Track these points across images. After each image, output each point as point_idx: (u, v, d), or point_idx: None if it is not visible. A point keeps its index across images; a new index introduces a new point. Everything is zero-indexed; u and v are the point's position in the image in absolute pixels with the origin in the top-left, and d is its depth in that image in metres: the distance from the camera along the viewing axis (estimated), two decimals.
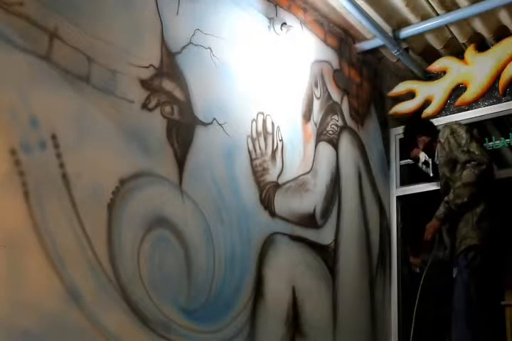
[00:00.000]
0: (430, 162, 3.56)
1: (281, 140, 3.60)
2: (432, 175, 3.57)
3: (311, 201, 3.74)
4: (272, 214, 3.40)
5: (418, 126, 3.98)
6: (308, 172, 3.77)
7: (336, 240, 3.87)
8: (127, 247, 2.55)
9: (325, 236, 3.79)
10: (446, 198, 3.42)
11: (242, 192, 3.22)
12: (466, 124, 3.64)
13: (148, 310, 2.58)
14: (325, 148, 3.98)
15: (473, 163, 3.25)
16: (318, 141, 3.92)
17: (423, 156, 3.61)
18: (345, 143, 4.19)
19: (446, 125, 3.60)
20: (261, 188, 3.36)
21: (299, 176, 3.69)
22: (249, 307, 3.11)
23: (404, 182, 4.65)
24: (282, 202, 3.50)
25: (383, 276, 4.29)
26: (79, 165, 2.42)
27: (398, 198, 4.60)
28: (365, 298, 4.06)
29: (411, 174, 4.64)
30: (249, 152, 3.34)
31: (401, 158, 4.68)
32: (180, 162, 2.89)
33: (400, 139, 4.73)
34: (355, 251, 4.04)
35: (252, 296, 3.14)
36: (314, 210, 3.75)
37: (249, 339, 3.07)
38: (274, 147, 3.54)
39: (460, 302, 3.18)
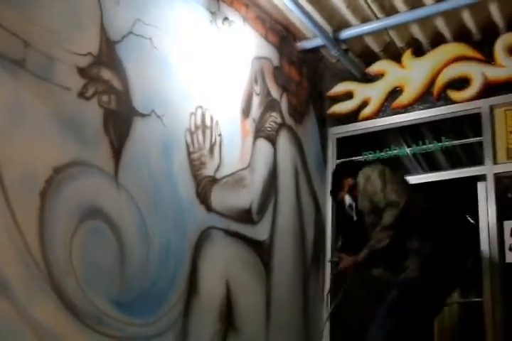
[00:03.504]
0: (354, 206, 3.60)
1: (219, 135, 3.64)
2: (355, 218, 3.61)
3: (248, 197, 3.80)
4: (208, 208, 3.44)
5: (345, 167, 3.93)
6: (246, 168, 3.83)
7: (272, 236, 3.94)
8: (60, 237, 2.54)
9: (261, 232, 3.86)
10: (368, 243, 3.43)
11: (178, 186, 3.25)
12: (378, 165, 3.60)
13: (79, 302, 2.57)
14: (263, 145, 4.04)
15: (390, 207, 3.28)
16: (256, 137, 3.99)
17: (348, 199, 3.63)
18: (283, 140, 4.26)
19: (361, 171, 3.58)
20: (198, 182, 3.40)
21: (237, 171, 3.74)
22: (183, 301, 3.15)
23: None
24: (219, 197, 3.54)
25: (316, 273, 4.39)
26: (10, 152, 2.40)
27: None
28: (299, 294, 4.14)
29: None
30: (187, 145, 3.37)
31: (338, 157, 4.80)
32: (117, 153, 2.90)
33: (338, 139, 4.84)
34: (290, 248, 4.13)
35: (186, 290, 3.18)
36: (251, 206, 3.81)
37: (182, 333, 3.11)
38: (213, 141, 3.58)
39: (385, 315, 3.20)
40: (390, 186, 3.28)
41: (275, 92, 4.28)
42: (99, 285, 2.69)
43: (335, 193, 3.76)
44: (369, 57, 4.87)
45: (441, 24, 4.44)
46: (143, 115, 3.09)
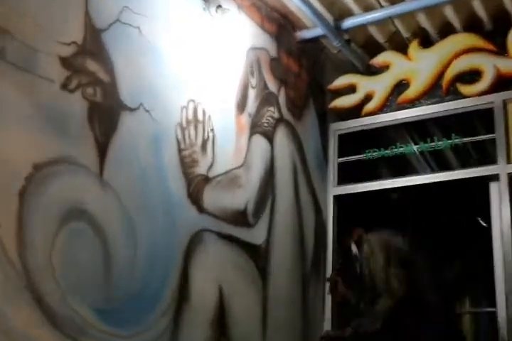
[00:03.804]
0: (358, 256, 3.73)
1: (212, 130, 3.66)
2: (358, 271, 3.75)
3: (243, 197, 3.82)
4: (201, 209, 3.45)
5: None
6: (241, 166, 3.84)
7: (268, 240, 3.96)
8: (39, 239, 2.53)
9: (257, 235, 3.87)
10: (359, 321, 3.62)
11: (168, 185, 3.26)
12: (383, 235, 3.75)
13: (61, 310, 2.56)
14: (259, 141, 4.05)
15: (388, 293, 3.46)
16: (252, 133, 4.00)
17: (354, 249, 3.77)
18: (281, 136, 4.28)
19: (367, 239, 3.73)
20: (189, 181, 3.41)
21: (231, 170, 3.76)
22: (173, 309, 3.15)
23: (342, 181, 4.78)
24: (212, 197, 3.55)
25: (317, 279, 4.41)
26: None
27: (335, 197, 4.72)
28: (298, 302, 4.15)
29: (349, 173, 4.79)
30: (178, 141, 3.38)
31: (339, 156, 4.82)
32: (102, 149, 2.90)
33: (339, 135, 4.86)
34: (288, 252, 4.14)
35: (176, 298, 3.18)
36: (246, 207, 3.82)
37: None
38: (205, 137, 3.59)
39: None
40: (393, 269, 3.48)
41: (272, 85, 4.29)
42: (83, 293, 2.68)
43: (342, 240, 3.91)
44: (373, 48, 4.89)
45: (450, 13, 4.45)
46: (131, 109, 3.10)
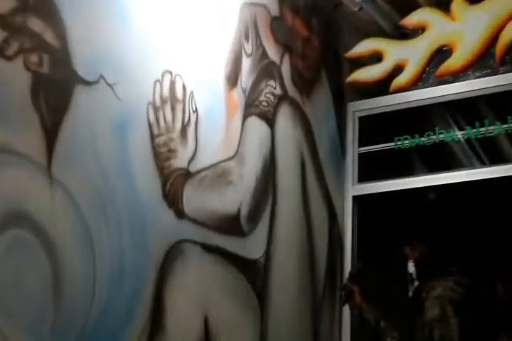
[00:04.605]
0: (414, 278, 3.88)
1: (195, 111, 3.65)
2: (411, 294, 3.90)
3: (235, 198, 3.81)
4: (180, 214, 3.45)
5: None
6: (232, 157, 3.84)
7: (268, 253, 3.95)
8: None
9: (253, 247, 3.87)
10: None
11: (137, 182, 3.24)
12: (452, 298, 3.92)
13: None
14: (256, 126, 4.05)
15: None
16: (246, 114, 3.99)
17: (411, 267, 3.90)
18: (285, 119, 4.27)
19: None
20: (165, 177, 3.40)
21: (219, 163, 3.75)
22: None
23: (363, 177, 4.78)
24: (194, 199, 3.54)
25: (332, 304, 4.40)
26: None
27: (355, 199, 4.72)
28: (307, 332, 4.15)
29: (373, 167, 4.79)
30: (150, 125, 3.37)
31: (360, 145, 4.83)
32: (50, 135, 2.87)
33: (360, 118, 4.85)
34: (294, 269, 4.14)
35: (148, 328, 3.16)
36: (239, 211, 3.82)
37: None
38: (185, 120, 3.58)
39: None
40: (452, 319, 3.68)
41: (274, 53, 4.28)
42: (25, 321, 2.65)
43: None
44: (404, 3, 4.89)
45: None
46: (87, 83, 3.07)
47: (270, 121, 4.14)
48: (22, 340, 2.63)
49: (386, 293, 4.18)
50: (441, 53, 4.73)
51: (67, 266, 2.84)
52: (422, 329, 3.72)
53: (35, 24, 2.87)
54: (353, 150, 4.82)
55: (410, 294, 3.97)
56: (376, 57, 4.88)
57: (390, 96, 4.83)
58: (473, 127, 4.59)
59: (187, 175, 3.53)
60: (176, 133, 3.50)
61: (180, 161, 3.50)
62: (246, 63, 4.04)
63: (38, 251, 2.74)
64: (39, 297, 2.73)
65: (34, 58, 2.85)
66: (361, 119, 4.88)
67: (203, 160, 3.65)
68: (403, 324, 3.84)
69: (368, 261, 4.31)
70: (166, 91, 3.49)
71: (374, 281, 4.10)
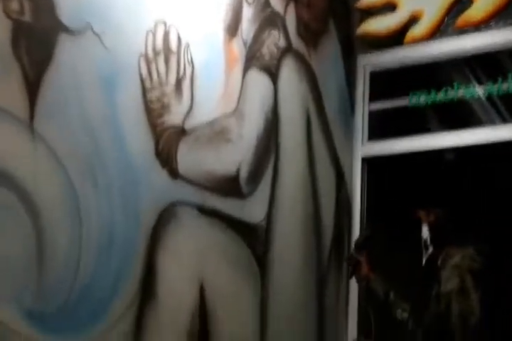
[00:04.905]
0: (428, 245, 3.88)
1: (190, 63, 3.62)
2: (424, 261, 3.91)
3: (234, 157, 3.82)
4: (174, 174, 3.45)
5: None
6: (231, 113, 3.83)
7: (269, 217, 3.97)
8: None
9: (253, 210, 3.88)
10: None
11: (127, 140, 3.23)
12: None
13: None
14: (258, 80, 4.04)
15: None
16: (247, 67, 3.98)
17: (425, 233, 3.89)
18: (289, 72, 4.26)
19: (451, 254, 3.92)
20: (157, 135, 3.39)
21: (217, 119, 3.74)
22: (133, 313, 3.15)
23: (374, 136, 4.77)
24: (190, 158, 3.54)
25: (338, 273, 4.42)
26: None
27: (365, 160, 4.72)
28: (311, 303, 4.18)
29: (385, 125, 4.78)
30: (142, 79, 3.35)
31: (371, 101, 4.81)
32: (33, 88, 2.84)
33: (372, 72, 4.82)
34: (298, 234, 4.16)
35: (139, 296, 3.18)
36: (238, 171, 3.83)
37: None
38: (180, 74, 3.56)
39: None
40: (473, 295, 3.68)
41: (277, 1, 4.24)
42: (7, 289, 2.66)
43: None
44: None
45: None
46: (73, 32, 3.04)
47: (273, 75, 4.13)
48: (3, 308, 2.63)
49: (396, 261, 4.18)
50: (462, 2, 4.66)
51: (50, 231, 2.84)
52: (438, 302, 3.77)
53: None
54: (363, 107, 4.80)
55: (423, 262, 3.99)
56: (389, 6, 4.83)
57: (404, 48, 4.79)
58: (495, 82, 4.55)
59: (181, 132, 3.53)
60: (169, 88, 3.49)
61: (174, 118, 3.49)
62: (247, 12, 4.01)
63: (19, 213, 2.74)
64: (21, 263, 2.73)
65: (15, 5, 2.81)
66: (373, 74, 4.84)
67: (199, 117, 3.63)
68: (415, 295, 3.86)
69: (377, 226, 4.31)
70: (159, 43, 3.47)
71: (383, 248, 4.12)
